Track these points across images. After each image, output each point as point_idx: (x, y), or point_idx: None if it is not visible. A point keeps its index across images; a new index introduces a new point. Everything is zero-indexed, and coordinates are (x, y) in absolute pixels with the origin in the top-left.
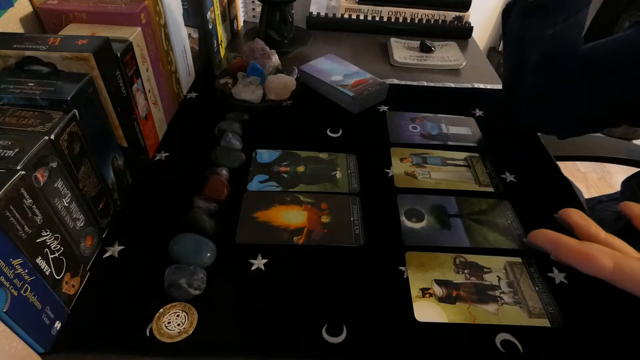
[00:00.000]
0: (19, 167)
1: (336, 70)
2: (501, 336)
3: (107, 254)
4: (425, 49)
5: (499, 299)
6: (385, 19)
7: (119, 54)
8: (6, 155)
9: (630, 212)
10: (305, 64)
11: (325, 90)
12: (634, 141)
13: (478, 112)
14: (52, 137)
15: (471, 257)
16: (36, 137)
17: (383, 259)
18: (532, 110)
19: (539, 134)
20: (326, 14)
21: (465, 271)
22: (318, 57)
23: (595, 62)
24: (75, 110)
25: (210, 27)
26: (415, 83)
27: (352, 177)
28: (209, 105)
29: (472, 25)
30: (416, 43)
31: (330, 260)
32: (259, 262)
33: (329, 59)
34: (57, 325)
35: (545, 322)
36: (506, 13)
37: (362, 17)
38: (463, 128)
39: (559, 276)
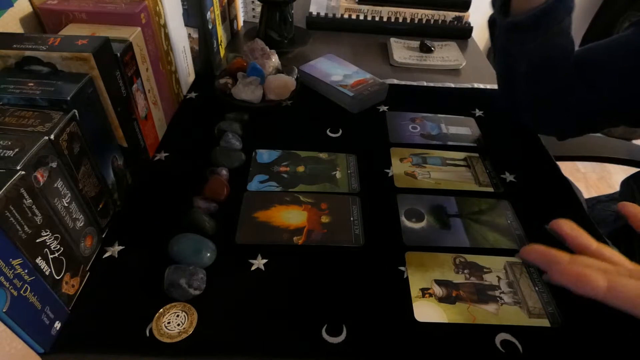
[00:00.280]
0: (18, 167)
1: (336, 70)
2: (501, 336)
3: (107, 254)
4: (425, 49)
5: (498, 299)
6: (385, 19)
7: (118, 54)
8: (6, 155)
9: (628, 213)
10: (305, 64)
11: (325, 90)
12: (634, 141)
13: (478, 112)
14: (52, 137)
15: (471, 257)
16: (36, 137)
17: (383, 259)
18: (529, 113)
19: (539, 134)
20: (326, 14)
21: (465, 271)
22: (318, 57)
23: (594, 63)
24: (75, 110)
25: (210, 27)
26: (415, 83)
27: (352, 177)
28: (208, 105)
29: (472, 25)
30: (416, 43)
31: (330, 260)
32: (259, 262)
33: (328, 59)
34: (57, 325)
35: (545, 322)
36: (492, 23)
37: (362, 17)
38: (463, 128)
39: None
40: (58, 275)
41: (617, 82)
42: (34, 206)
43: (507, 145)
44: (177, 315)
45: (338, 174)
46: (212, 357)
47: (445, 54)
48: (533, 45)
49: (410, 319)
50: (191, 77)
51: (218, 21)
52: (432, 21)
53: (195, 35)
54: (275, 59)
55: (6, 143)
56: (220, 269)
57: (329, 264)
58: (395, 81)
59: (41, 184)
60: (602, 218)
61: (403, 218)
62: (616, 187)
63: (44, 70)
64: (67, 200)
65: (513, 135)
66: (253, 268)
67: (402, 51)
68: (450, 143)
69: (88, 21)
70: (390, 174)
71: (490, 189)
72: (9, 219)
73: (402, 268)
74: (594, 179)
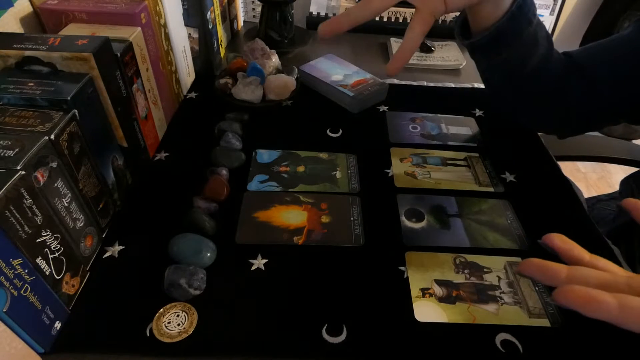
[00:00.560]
0: (19, 167)
1: (336, 70)
2: (501, 336)
3: (107, 254)
4: (425, 49)
5: (499, 298)
6: (385, 19)
7: (119, 54)
8: (6, 155)
9: (633, 208)
10: (305, 64)
11: (325, 90)
12: (634, 141)
13: (478, 112)
14: (52, 137)
15: (471, 257)
16: (36, 137)
17: (383, 259)
18: (525, 117)
19: (539, 134)
20: (326, 14)
21: (465, 271)
22: (318, 57)
23: (594, 63)
24: (75, 110)
25: (210, 27)
26: (415, 83)
27: (352, 177)
28: (209, 105)
29: None
30: None
31: (330, 260)
32: (258, 262)
33: (329, 59)
34: (57, 325)
35: (545, 322)
36: None
37: None
38: (463, 128)
39: None
40: (58, 275)
41: (617, 81)
42: (34, 206)
43: (507, 145)
44: (177, 315)
45: (338, 174)
46: (212, 357)
47: (445, 53)
48: (500, 60)
49: (410, 319)
50: (191, 77)
51: (218, 21)
52: None
53: (195, 35)
54: (275, 59)
55: (6, 143)
56: (220, 269)
57: (329, 264)
58: (395, 81)
59: (41, 184)
60: (601, 217)
61: (403, 218)
62: (616, 187)
63: (44, 70)
64: (67, 200)
65: (513, 135)
66: (253, 268)
67: None
68: (450, 143)
69: (88, 21)
70: (390, 174)
71: (491, 189)
72: (9, 219)
73: (402, 268)
74: (594, 179)
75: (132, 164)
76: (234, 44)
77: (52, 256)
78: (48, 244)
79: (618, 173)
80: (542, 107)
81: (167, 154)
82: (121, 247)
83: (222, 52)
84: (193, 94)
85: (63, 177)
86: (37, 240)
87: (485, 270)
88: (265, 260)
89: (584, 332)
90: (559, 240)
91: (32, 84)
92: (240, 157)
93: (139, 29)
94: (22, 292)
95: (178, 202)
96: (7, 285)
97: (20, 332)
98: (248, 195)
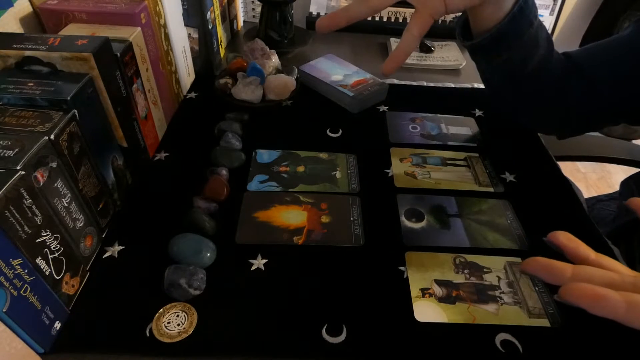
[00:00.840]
0: (18, 167)
1: (336, 70)
2: (501, 336)
3: (107, 254)
4: (425, 49)
5: (498, 299)
6: (385, 19)
7: (118, 54)
8: (6, 155)
9: (637, 207)
10: (305, 64)
11: (325, 90)
12: (634, 141)
13: (478, 112)
14: (52, 137)
15: (471, 257)
16: (36, 137)
17: (383, 259)
18: (525, 117)
19: (539, 134)
20: (326, 14)
21: (465, 271)
22: (318, 57)
23: (593, 63)
24: (75, 110)
25: (210, 27)
26: (415, 83)
27: (352, 177)
28: (208, 105)
29: None
30: None
31: (330, 260)
32: (258, 262)
33: (328, 59)
34: (57, 325)
35: (545, 322)
36: None
37: None
38: (463, 128)
39: None
40: (58, 275)
41: (616, 81)
42: (34, 206)
43: (507, 145)
44: (177, 315)
45: (338, 174)
46: (212, 357)
47: (445, 53)
48: (500, 61)
49: (410, 319)
50: (191, 77)
51: (218, 21)
52: None
53: (195, 35)
54: (275, 59)
55: (6, 143)
56: (220, 269)
57: (329, 264)
58: (395, 81)
59: (41, 184)
60: (601, 217)
61: (403, 218)
62: (616, 187)
63: (44, 70)
64: (67, 200)
65: (513, 135)
66: (253, 268)
67: None
68: (450, 143)
69: (88, 21)
70: (390, 174)
71: (490, 189)
72: (9, 219)
73: (402, 268)
74: (594, 179)
75: (132, 164)
76: (234, 44)
77: (52, 256)
78: (48, 244)
79: (618, 173)
80: (542, 108)
81: (167, 154)
82: (121, 247)
83: (222, 52)
84: (193, 94)
85: (63, 177)
86: (37, 241)
87: (485, 270)
88: (265, 260)
89: (584, 332)
90: (565, 238)
91: (32, 84)
92: (240, 157)
93: (139, 29)
94: (22, 292)
95: (178, 202)
96: (7, 285)
97: (20, 332)
98: (248, 195)
